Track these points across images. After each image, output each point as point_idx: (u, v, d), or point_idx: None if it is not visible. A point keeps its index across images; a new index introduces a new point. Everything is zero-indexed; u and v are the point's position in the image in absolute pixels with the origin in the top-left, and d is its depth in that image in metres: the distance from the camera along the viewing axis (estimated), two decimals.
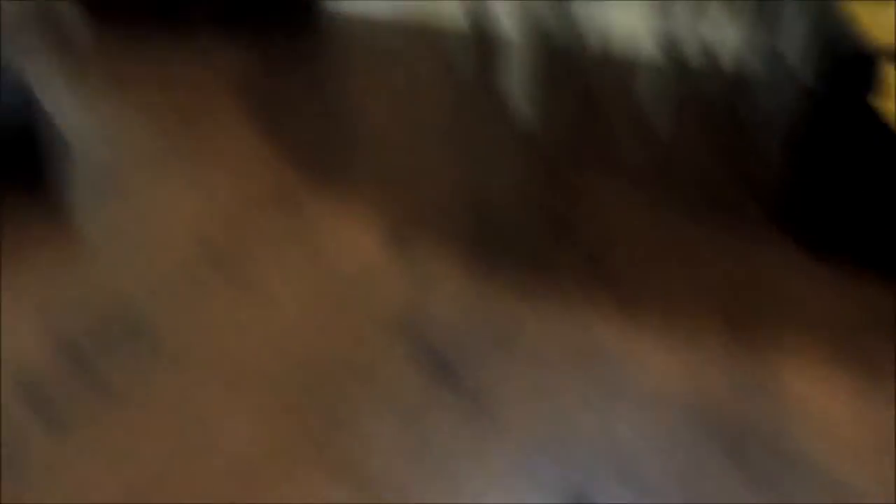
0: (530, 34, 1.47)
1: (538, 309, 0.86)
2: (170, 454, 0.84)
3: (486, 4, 1.92)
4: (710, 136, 1.44)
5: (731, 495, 0.69)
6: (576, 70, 1.73)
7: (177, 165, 1.28)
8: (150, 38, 1.82)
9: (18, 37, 1.49)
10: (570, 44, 1.89)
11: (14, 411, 0.91)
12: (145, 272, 1.06)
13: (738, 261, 1.02)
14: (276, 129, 1.30)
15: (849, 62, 0.93)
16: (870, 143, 0.94)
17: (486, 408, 0.77)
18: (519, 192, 1.10)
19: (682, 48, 1.82)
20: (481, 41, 1.80)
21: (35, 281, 1.09)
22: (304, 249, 0.96)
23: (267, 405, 0.86)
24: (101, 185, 1.28)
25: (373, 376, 0.79)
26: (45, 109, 1.29)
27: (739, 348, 0.85)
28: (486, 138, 1.28)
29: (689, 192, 1.20)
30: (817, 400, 0.79)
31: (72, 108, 1.52)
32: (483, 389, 0.78)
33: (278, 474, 0.79)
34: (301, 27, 1.93)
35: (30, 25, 1.82)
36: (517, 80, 1.49)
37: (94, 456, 0.84)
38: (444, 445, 0.75)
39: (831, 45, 0.97)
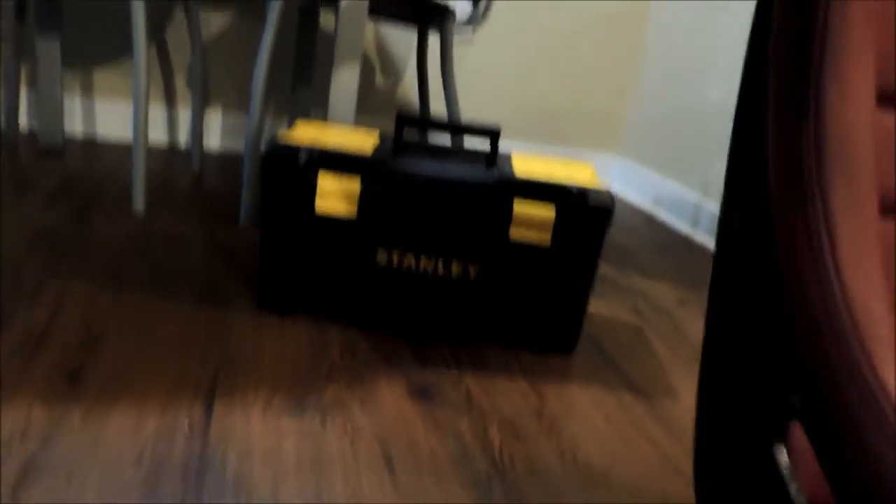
0: None
1: None
2: None
3: None
4: (196, 222, 1.58)
5: None
6: (62, 175, 1.76)
7: None
8: None
9: None
10: (56, 148, 1.93)
11: None
12: None
13: (214, 333, 1.14)
14: None
15: (281, 154, 1.16)
16: (308, 222, 1.19)
17: None
18: None
19: (174, 149, 2.02)
20: None
21: None
22: None
23: None
24: None
25: None
26: None
27: (196, 404, 0.95)
28: None
29: (174, 277, 1.32)
30: (252, 426, 0.93)
31: None
32: None
33: None
34: None
35: None
36: None
37: None
38: None
39: (272, 143, 1.21)
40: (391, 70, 2.37)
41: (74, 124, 2.17)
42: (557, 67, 2.50)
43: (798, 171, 0.46)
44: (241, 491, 0.79)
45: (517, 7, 2.41)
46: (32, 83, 2.10)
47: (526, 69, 2.48)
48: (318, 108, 2.32)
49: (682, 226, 2.19)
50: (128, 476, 0.79)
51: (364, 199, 1.17)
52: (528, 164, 1.28)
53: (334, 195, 1.17)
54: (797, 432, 0.51)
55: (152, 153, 2.12)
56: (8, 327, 1.05)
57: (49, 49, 1.90)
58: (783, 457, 0.52)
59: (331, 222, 1.18)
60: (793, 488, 0.51)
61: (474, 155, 1.27)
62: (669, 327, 1.45)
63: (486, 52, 2.43)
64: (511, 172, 1.20)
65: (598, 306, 1.48)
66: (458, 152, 1.28)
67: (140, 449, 0.83)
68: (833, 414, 0.42)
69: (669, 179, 2.31)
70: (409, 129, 2.28)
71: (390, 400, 1.03)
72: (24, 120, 2.12)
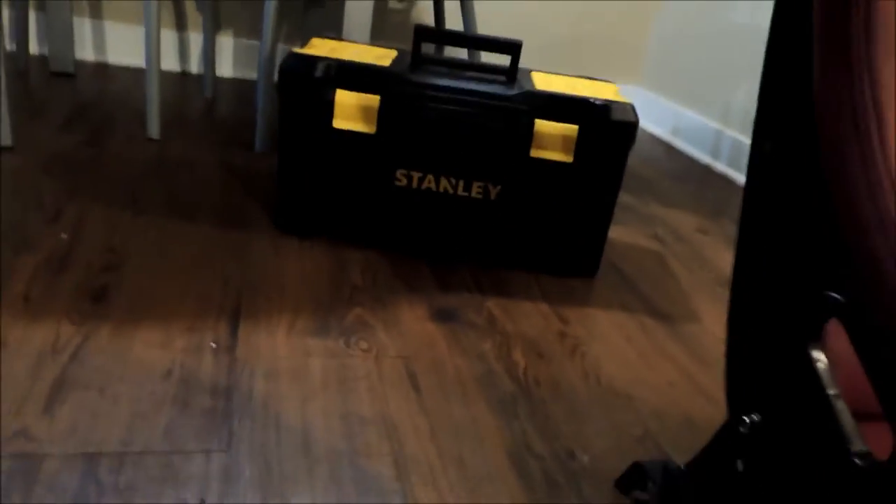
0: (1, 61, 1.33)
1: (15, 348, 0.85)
2: None
3: None
4: (213, 148, 1.55)
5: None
6: (76, 100, 1.73)
7: None
8: None
9: None
10: (69, 72, 1.91)
11: None
12: None
13: (234, 255, 1.13)
14: None
15: (300, 67, 1.15)
16: (327, 139, 1.17)
17: None
18: (5, 231, 1.09)
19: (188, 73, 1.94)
20: None
21: None
22: None
23: None
24: None
25: None
26: None
27: (221, 322, 0.96)
28: None
29: (193, 201, 1.30)
30: (278, 344, 0.94)
31: None
32: None
33: None
34: None
35: None
36: None
37: None
38: None
39: (289, 58, 1.17)
40: None
41: (84, 49, 2.13)
42: None
43: (846, 48, 0.44)
44: (270, 408, 0.80)
45: None
46: (41, 7, 2.05)
47: None
48: (331, 33, 2.26)
49: (701, 155, 2.16)
50: (159, 391, 0.80)
51: (383, 114, 1.15)
52: (548, 80, 1.25)
53: (352, 110, 1.15)
54: (834, 334, 0.51)
55: (164, 79, 2.08)
56: (31, 249, 1.05)
57: None
58: (821, 357, 0.52)
59: (349, 139, 1.16)
60: (830, 390, 0.51)
61: (494, 70, 1.24)
62: (690, 253, 1.43)
63: None
64: (532, 87, 1.17)
65: (619, 233, 1.47)
66: (478, 66, 1.24)
67: (168, 365, 0.84)
68: (879, 305, 0.41)
69: (689, 109, 2.26)
70: (427, 46, 2.23)
71: (413, 322, 1.03)
72: (33, 45, 2.08)
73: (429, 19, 2.34)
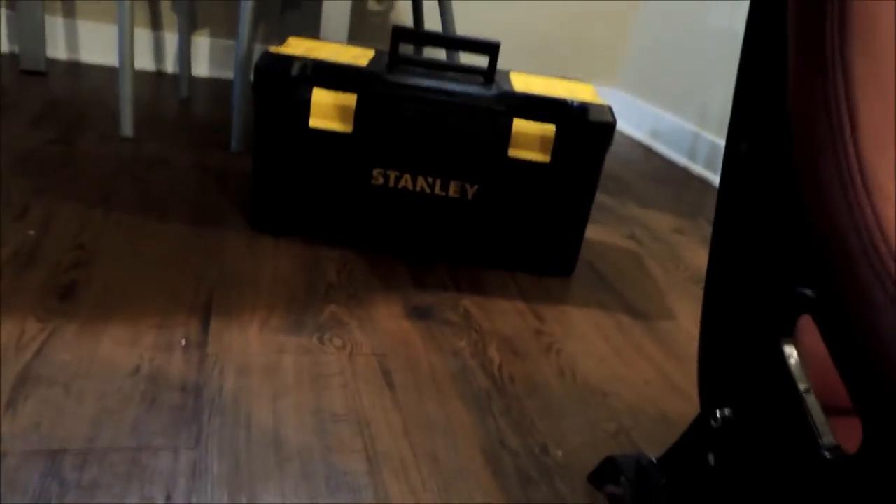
0: None
1: None
2: None
3: None
4: (186, 146, 1.55)
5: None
6: (47, 99, 1.73)
7: None
8: None
9: None
10: (40, 71, 1.89)
11: None
12: None
13: (207, 254, 1.11)
14: None
15: (275, 66, 1.13)
16: (303, 138, 1.16)
17: None
18: None
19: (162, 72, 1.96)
20: None
21: None
22: None
23: None
24: None
25: None
26: None
27: (193, 321, 0.94)
28: None
29: (165, 199, 1.29)
30: (249, 340, 0.92)
31: None
32: None
33: None
34: None
35: None
36: None
37: None
38: None
39: (264, 57, 1.15)
40: None
41: (57, 48, 2.10)
42: None
43: (820, 45, 0.44)
44: (241, 405, 0.79)
45: None
46: (11, 6, 2.02)
47: None
48: (308, 34, 2.25)
49: (679, 157, 2.17)
50: (126, 387, 0.78)
51: (359, 113, 1.14)
52: (526, 81, 1.25)
53: (329, 109, 1.14)
54: (805, 329, 0.51)
55: (139, 78, 2.06)
56: None
57: None
58: (793, 352, 0.52)
59: (325, 139, 1.15)
60: (801, 385, 0.51)
61: (472, 70, 1.23)
62: (666, 253, 1.44)
63: None
64: (510, 88, 1.17)
65: (597, 233, 1.47)
66: (455, 67, 1.24)
67: (137, 362, 0.82)
68: (849, 300, 0.41)
69: (667, 111, 2.27)
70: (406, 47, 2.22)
71: (388, 320, 1.02)
72: (4, 43, 2.05)
73: (408, 20, 2.34)
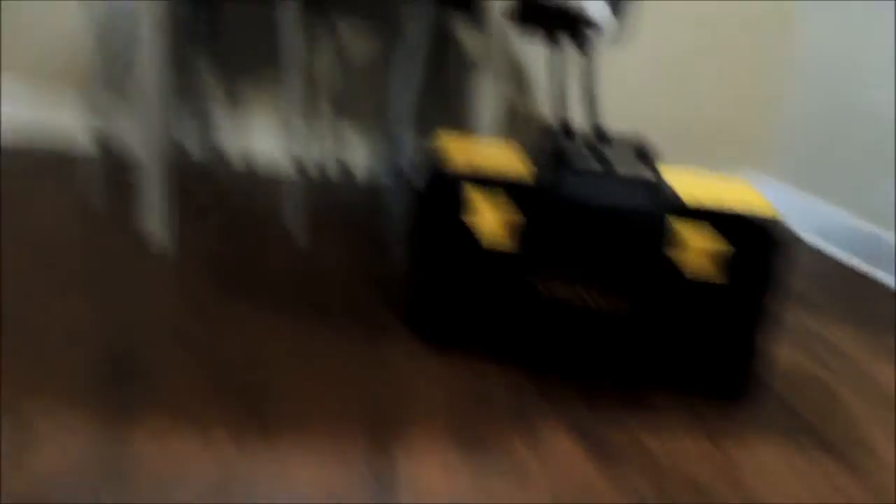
0: (163, 158, 1.42)
1: (167, 447, 0.84)
2: None
3: (115, 127, 1.95)
4: (346, 248, 1.57)
5: None
6: (216, 193, 1.79)
7: None
8: None
9: None
10: (210, 166, 1.97)
11: None
12: None
13: (374, 367, 1.09)
14: None
15: (442, 183, 1.14)
16: (468, 253, 1.14)
17: None
18: (159, 327, 1.10)
19: (319, 166, 2.13)
20: (111, 167, 1.84)
21: None
22: None
23: None
24: None
25: None
26: None
27: (374, 450, 0.91)
28: (123, 273, 1.29)
29: (329, 305, 1.29)
30: (437, 482, 0.86)
31: None
32: None
33: None
34: None
35: None
36: (153, 207, 1.44)
37: None
38: None
39: (429, 168, 1.16)
40: (522, 83, 2.32)
41: (223, 139, 2.23)
42: (690, 77, 2.37)
43: None
44: None
45: (649, 12, 2.30)
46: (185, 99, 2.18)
47: (657, 79, 2.37)
48: (445, 121, 2.29)
49: (852, 259, 2.02)
50: None
51: (526, 231, 1.12)
52: (686, 183, 1.20)
53: (496, 227, 1.13)
54: None
55: (294, 169, 2.14)
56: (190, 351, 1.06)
57: (202, 65, 1.97)
58: None
59: (490, 254, 1.14)
60: None
61: (632, 177, 1.19)
62: (856, 375, 1.31)
63: (612, 63, 2.33)
64: (676, 197, 1.12)
65: (773, 349, 1.37)
66: (615, 175, 1.19)
67: (325, 491, 0.81)
68: None
69: (829, 202, 2.13)
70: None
71: (564, 456, 0.96)
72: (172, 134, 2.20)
73: (542, 107, 2.34)
